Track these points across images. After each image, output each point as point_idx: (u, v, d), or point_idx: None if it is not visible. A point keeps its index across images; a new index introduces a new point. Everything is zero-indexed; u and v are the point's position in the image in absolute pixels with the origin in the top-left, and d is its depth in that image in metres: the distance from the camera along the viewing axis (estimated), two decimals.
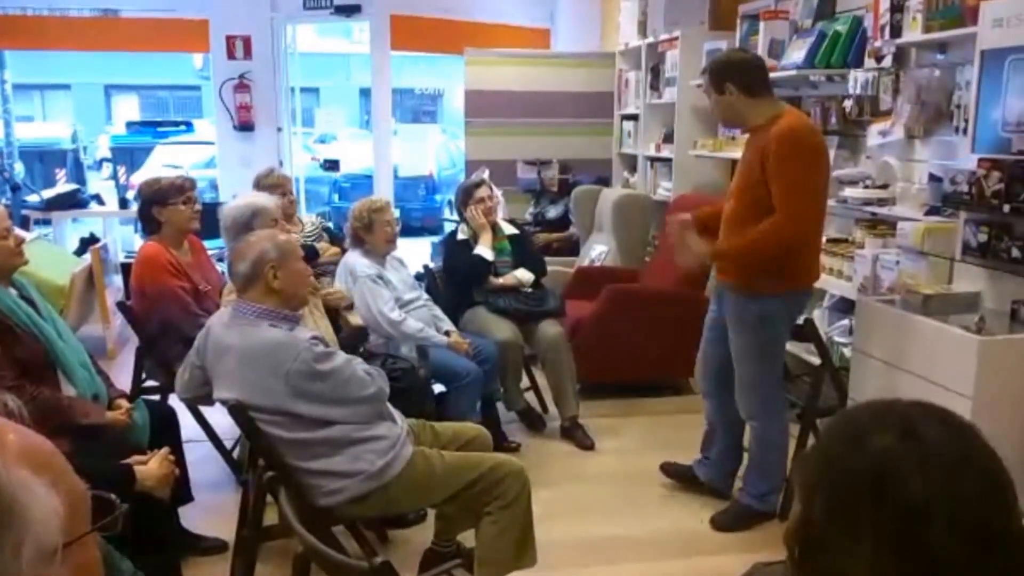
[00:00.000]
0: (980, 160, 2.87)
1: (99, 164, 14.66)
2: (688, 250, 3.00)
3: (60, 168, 11.60)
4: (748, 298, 2.99)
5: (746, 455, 3.29)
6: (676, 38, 5.18)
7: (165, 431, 2.74)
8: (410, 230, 9.45)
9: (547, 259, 4.53)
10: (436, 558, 2.70)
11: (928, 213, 3.29)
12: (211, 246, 4.13)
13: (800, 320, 3.20)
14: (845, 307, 3.71)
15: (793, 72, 4.04)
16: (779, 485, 3.18)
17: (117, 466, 2.25)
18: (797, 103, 4.39)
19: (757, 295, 2.96)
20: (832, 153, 3.98)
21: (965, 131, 3.09)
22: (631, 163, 6.20)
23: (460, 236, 4.20)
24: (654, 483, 3.52)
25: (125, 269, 5.38)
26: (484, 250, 4.06)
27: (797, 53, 4.06)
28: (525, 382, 4.20)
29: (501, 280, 4.11)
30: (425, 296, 3.84)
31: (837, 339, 3.63)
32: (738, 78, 2.93)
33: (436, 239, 7.59)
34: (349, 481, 2.33)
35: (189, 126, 12.67)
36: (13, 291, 2.50)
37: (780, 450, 3.16)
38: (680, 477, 3.50)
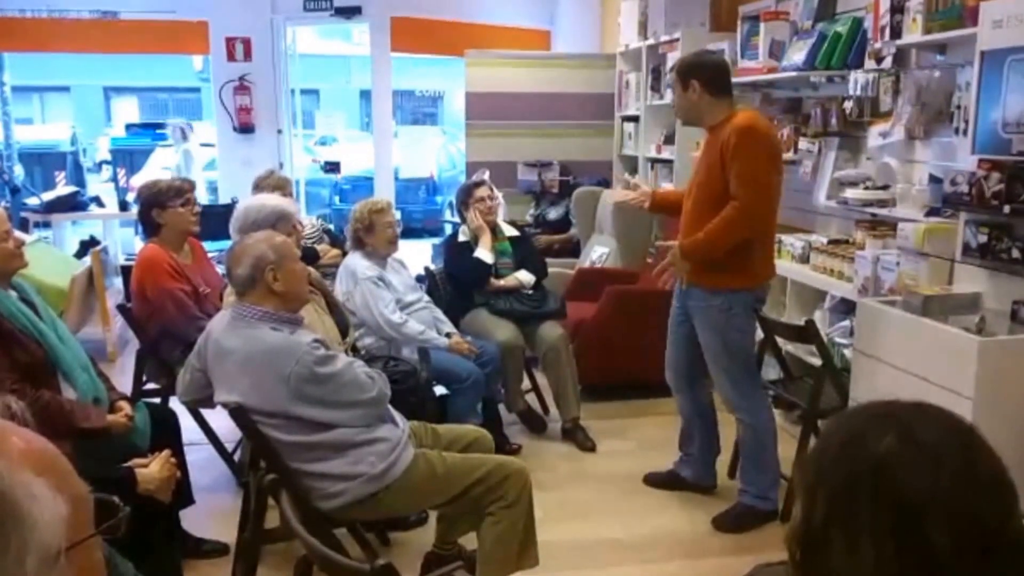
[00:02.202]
0: (980, 161, 2.87)
1: (99, 166, 14.66)
2: (675, 267, 3.10)
3: (60, 170, 11.59)
4: (712, 295, 3.08)
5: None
6: (677, 39, 5.18)
7: (166, 434, 2.74)
8: (411, 231, 9.46)
9: (548, 260, 4.54)
10: (438, 561, 2.71)
11: (928, 214, 3.29)
12: (211, 248, 4.13)
13: (784, 317, 3.22)
14: (846, 308, 3.71)
15: (793, 73, 4.04)
16: (776, 478, 3.20)
17: (118, 469, 2.25)
18: (797, 104, 4.40)
19: (720, 291, 3.06)
20: (832, 154, 3.99)
21: (965, 132, 3.09)
22: (632, 164, 6.20)
23: (461, 238, 4.20)
24: None
25: (125, 271, 5.37)
26: (484, 253, 4.07)
27: (797, 54, 4.06)
28: (526, 384, 4.19)
29: (502, 282, 4.11)
30: (426, 298, 3.84)
31: (838, 340, 3.62)
32: (702, 76, 3.03)
33: (437, 241, 7.59)
34: (350, 484, 2.33)
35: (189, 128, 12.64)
36: (13, 294, 2.50)
37: (769, 437, 3.20)
38: (664, 484, 3.52)
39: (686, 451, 3.49)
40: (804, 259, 4.01)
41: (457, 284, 4.16)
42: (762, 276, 3.15)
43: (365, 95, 14.35)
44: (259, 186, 4.30)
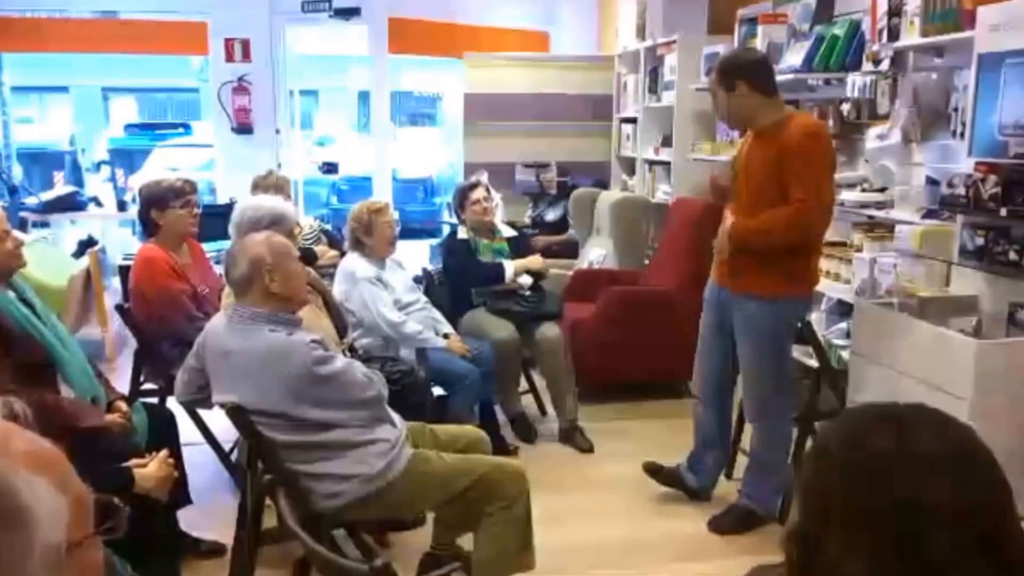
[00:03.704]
0: (977, 163, 2.88)
1: (97, 166, 14.64)
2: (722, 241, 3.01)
3: (58, 170, 11.58)
4: (762, 303, 2.98)
5: (741, 456, 3.30)
6: (674, 41, 5.19)
7: (164, 434, 2.74)
8: (409, 232, 9.44)
9: (546, 261, 4.53)
10: (435, 562, 2.70)
11: (925, 216, 3.30)
12: (210, 248, 4.13)
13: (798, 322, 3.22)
14: (843, 310, 3.72)
15: (791, 76, 4.04)
16: (780, 487, 3.17)
17: (116, 469, 2.25)
18: (795, 106, 4.40)
19: (772, 300, 2.97)
20: None
21: (962, 135, 3.10)
22: (629, 166, 6.21)
23: (460, 235, 4.21)
24: (653, 486, 3.51)
25: (123, 272, 5.36)
26: (510, 267, 4.09)
27: (795, 57, 4.07)
28: (523, 385, 4.19)
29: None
30: (424, 299, 3.84)
31: (835, 342, 3.63)
32: (750, 76, 2.94)
33: (435, 241, 7.59)
34: (348, 484, 2.33)
35: (187, 128, 12.67)
36: (12, 294, 2.50)
37: (784, 450, 3.17)
38: (661, 477, 3.47)
39: (694, 467, 3.40)
40: None
41: (455, 280, 4.17)
42: (811, 283, 3.10)
43: (364, 96, 14.35)
44: (258, 186, 4.31)
